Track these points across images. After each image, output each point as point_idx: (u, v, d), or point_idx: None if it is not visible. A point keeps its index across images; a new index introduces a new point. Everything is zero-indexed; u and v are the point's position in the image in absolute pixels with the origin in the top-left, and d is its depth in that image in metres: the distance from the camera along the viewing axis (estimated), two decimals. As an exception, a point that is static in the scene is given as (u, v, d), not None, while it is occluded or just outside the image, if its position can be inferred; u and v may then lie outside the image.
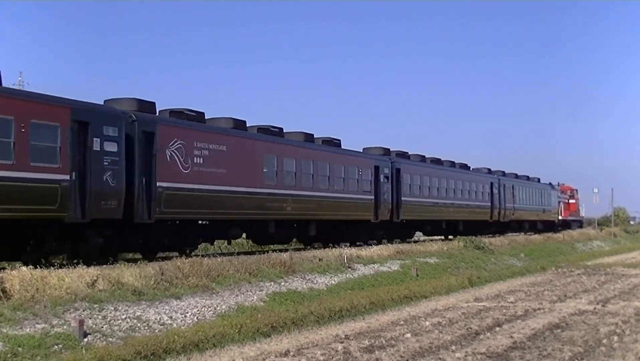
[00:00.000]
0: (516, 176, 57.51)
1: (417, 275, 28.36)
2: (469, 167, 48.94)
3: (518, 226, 57.56)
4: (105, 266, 18.72)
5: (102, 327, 14.82)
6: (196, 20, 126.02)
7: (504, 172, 54.86)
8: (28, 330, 13.63)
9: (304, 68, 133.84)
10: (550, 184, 66.09)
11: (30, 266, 16.40)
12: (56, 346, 13.32)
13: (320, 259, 25.58)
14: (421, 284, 25.94)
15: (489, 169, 52.48)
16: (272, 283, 21.52)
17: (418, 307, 21.49)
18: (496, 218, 50.79)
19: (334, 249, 28.70)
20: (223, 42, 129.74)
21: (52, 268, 16.86)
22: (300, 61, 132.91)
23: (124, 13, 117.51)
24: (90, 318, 14.87)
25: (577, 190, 74.81)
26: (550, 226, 64.13)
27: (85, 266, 17.52)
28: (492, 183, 50.55)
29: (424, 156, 42.64)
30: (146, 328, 15.62)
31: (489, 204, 49.88)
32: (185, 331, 15.27)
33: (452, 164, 46.39)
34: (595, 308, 20.80)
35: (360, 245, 32.99)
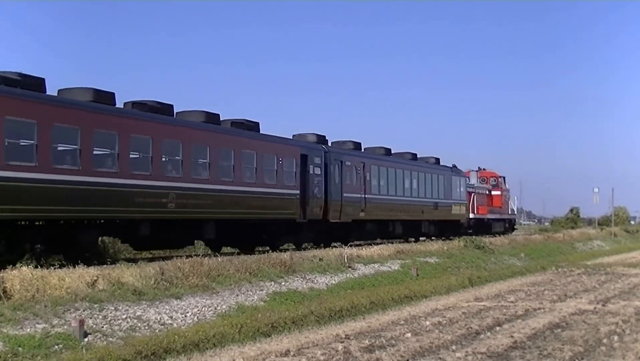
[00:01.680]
0: (387, 152, 38.48)
1: (417, 275, 28.36)
2: (258, 128, 28.45)
3: (379, 229, 36.70)
4: (105, 266, 18.74)
5: (103, 327, 14.82)
6: (195, 20, 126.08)
7: (357, 143, 35.54)
8: (28, 329, 13.62)
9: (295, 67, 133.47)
10: (453, 167, 46.03)
11: (31, 266, 16.41)
12: (56, 346, 13.32)
13: (320, 259, 25.60)
14: (421, 284, 25.94)
15: (321, 137, 32.63)
16: (273, 282, 21.52)
17: (418, 307, 21.49)
18: (317, 215, 30.33)
19: (334, 249, 28.72)
20: (222, 42, 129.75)
21: (52, 268, 16.86)
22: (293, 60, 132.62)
23: (123, 13, 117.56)
24: (90, 318, 14.86)
25: (504, 178, 55.84)
26: (453, 229, 44.57)
27: (85, 266, 17.53)
28: (305, 157, 29.77)
29: (132, 104, 23.13)
30: (146, 328, 15.62)
31: (297, 192, 29.23)
32: (185, 331, 15.27)
33: (212, 119, 26.06)
34: (595, 308, 20.80)
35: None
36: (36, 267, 16.51)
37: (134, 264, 19.27)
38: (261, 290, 20.53)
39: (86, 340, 13.96)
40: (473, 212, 49.04)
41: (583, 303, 22.14)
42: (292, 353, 14.02)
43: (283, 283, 21.86)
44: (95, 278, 16.67)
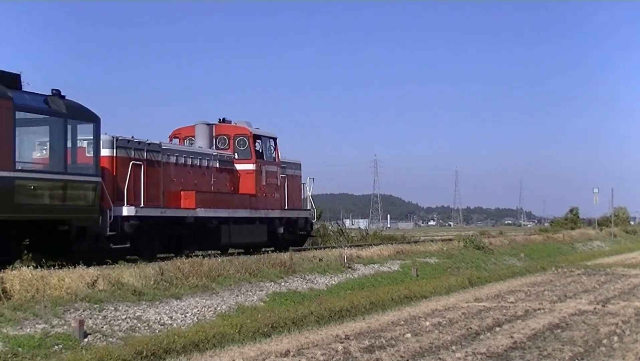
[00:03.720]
0: None
1: (417, 275, 28.38)
2: None
3: None
4: (105, 266, 18.75)
5: (102, 327, 14.82)
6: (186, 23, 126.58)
7: None
8: (28, 330, 13.62)
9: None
10: (88, 115, 20.55)
11: (31, 266, 16.42)
12: (56, 347, 13.32)
13: (320, 260, 25.62)
14: (421, 284, 25.94)
15: None
16: (272, 283, 21.52)
17: (418, 307, 21.48)
18: None
19: (334, 249, 28.75)
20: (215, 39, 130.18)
21: (52, 268, 16.87)
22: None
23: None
24: (90, 318, 14.86)
25: (274, 140, 29.97)
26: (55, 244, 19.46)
27: (85, 266, 17.55)
28: None
29: None
30: (146, 328, 15.63)
31: None
32: (185, 331, 15.27)
33: None
34: (595, 308, 20.79)
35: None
36: (36, 267, 16.52)
37: (133, 264, 19.28)
38: (261, 290, 20.54)
39: (86, 340, 13.96)
40: (136, 202, 22.37)
41: (583, 303, 22.13)
42: (292, 354, 14.01)
43: (283, 284, 21.86)
44: (95, 278, 16.67)
